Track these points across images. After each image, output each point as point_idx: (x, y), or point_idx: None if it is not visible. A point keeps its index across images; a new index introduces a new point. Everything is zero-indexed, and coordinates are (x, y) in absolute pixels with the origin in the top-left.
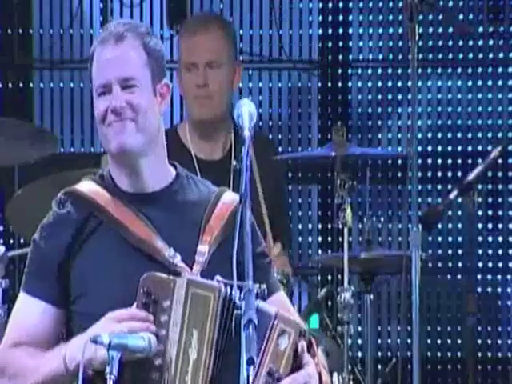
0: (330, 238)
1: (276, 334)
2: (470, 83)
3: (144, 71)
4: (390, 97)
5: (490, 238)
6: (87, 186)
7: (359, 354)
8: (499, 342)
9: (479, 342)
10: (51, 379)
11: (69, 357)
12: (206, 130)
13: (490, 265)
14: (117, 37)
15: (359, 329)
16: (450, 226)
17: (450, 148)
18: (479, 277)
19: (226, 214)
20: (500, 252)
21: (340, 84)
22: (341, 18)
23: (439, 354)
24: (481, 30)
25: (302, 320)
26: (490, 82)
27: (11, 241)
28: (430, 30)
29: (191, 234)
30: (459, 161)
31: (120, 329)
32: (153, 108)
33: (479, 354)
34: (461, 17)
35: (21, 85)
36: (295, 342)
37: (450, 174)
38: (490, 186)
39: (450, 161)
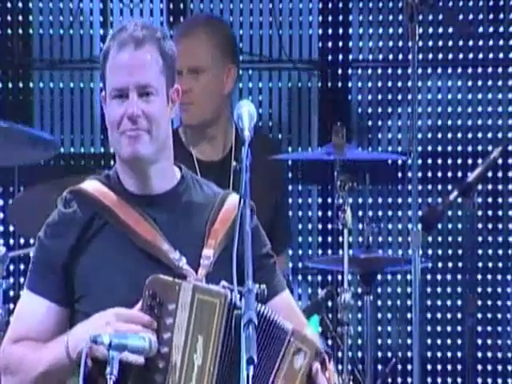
0: (330, 239)
1: (292, 352)
2: (469, 83)
3: (160, 78)
4: (389, 97)
5: (489, 238)
6: (92, 186)
7: (359, 354)
8: (499, 342)
9: (479, 342)
10: (54, 368)
11: (71, 345)
12: (198, 133)
13: (490, 265)
14: (136, 41)
15: (359, 329)
16: (449, 226)
17: (450, 148)
18: (479, 277)
19: (231, 217)
20: (500, 252)
21: (340, 84)
22: (341, 18)
23: (439, 354)
24: (481, 30)
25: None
26: (490, 82)
27: (11, 241)
28: (430, 30)
29: (196, 237)
30: (459, 161)
31: (122, 329)
32: (165, 115)
33: (479, 354)
34: (461, 17)
35: (21, 85)
36: (310, 362)
37: (450, 174)
38: (489, 186)
39: (450, 161)
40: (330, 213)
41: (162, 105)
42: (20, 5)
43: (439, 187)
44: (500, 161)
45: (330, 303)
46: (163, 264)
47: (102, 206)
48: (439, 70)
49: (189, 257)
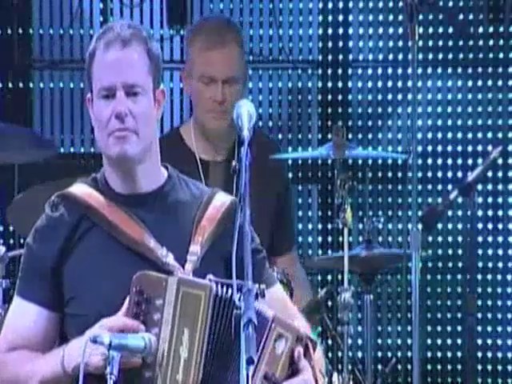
0: (330, 238)
1: (273, 338)
2: (470, 83)
3: (147, 78)
4: (390, 97)
5: (489, 238)
6: (80, 189)
7: (359, 354)
8: (499, 342)
9: (479, 342)
10: (49, 381)
11: (67, 359)
12: (216, 138)
13: (490, 265)
14: (123, 40)
15: (359, 329)
16: (449, 226)
17: (449, 148)
18: (479, 277)
19: (218, 214)
20: (500, 252)
21: (340, 84)
22: (341, 17)
23: (439, 354)
24: (481, 30)
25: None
26: (490, 82)
27: (11, 241)
28: (430, 30)
29: (183, 234)
30: (459, 161)
31: None
32: (152, 115)
33: (479, 354)
34: (461, 17)
35: (21, 85)
36: (292, 347)
37: (450, 174)
38: (489, 186)
39: (450, 161)
40: (329, 212)
41: (149, 105)
42: (20, 5)
43: (439, 187)
44: (500, 161)
45: (329, 302)
46: (150, 261)
47: (88, 207)
48: (439, 70)
49: (176, 254)
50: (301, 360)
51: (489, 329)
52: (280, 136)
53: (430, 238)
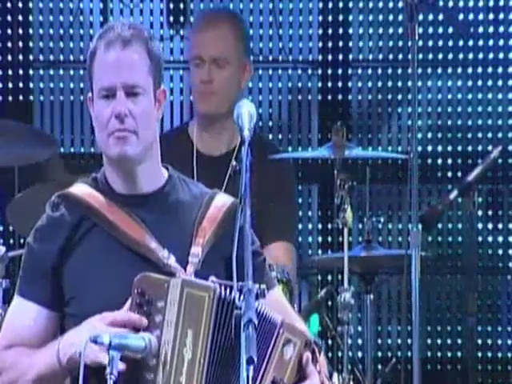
0: (330, 238)
1: (281, 343)
2: (470, 83)
3: (148, 78)
4: (390, 97)
5: (489, 238)
6: (80, 189)
7: (359, 354)
8: (499, 342)
9: (479, 342)
10: (45, 374)
11: (62, 352)
12: (209, 124)
13: (490, 265)
14: (124, 41)
15: (359, 329)
16: (449, 226)
17: (449, 148)
18: (479, 277)
19: (219, 215)
20: (500, 252)
21: (340, 84)
22: (341, 17)
23: (439, 354)
24: (481, 30)
25: (301, 317)
26: (490, 82)
27: (11, 241)
28: (430, 30)
29: (184, 235)
30: (459, 161)
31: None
32: (152, 116)
33: (479, 354)
34: (461, 17)
35: (21, 85)
36: (300, 352)
37: (449, 174)
38: (489, 186)
39: (450, 161)
40: (329, 212)
41: (150, 105)
42: (20, 5)
43: (439, 187)
44: (500, 161)
45: (329, 302)
46: (152, 262)
47: (89, 207)
48: (439, 70)
49: (177, 255)
50: (309, 365)
51: (489, 329)
52: (280, 136)
53: (430, 238)
